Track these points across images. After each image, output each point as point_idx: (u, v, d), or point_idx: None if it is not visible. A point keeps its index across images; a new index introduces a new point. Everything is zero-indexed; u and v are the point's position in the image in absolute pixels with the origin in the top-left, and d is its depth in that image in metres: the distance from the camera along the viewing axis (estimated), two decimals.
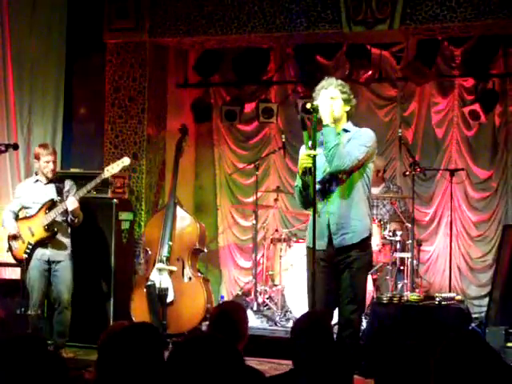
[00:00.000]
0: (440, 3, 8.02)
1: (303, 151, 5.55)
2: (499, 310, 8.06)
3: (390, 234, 8.75)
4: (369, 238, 5.68)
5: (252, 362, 6.50)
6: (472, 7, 7.93)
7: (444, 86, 9.59)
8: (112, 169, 7.54)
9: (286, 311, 8.74)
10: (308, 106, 5.44)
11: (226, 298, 9.97)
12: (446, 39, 9.06)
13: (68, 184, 7.70)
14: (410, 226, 8.71)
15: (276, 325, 8.55)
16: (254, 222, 9.31)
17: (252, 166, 9.42)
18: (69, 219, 7.52)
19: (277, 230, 9.65)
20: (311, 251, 5.44)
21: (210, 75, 9.99)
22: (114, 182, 8.52)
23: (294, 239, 9.06)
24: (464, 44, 9.11)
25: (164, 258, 8.04)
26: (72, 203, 7.35)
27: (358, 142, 5.54)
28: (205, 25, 8.83)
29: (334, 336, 4.07)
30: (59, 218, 7.52)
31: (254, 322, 8.53)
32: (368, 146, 5.55)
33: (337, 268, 5.58)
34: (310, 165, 5.31)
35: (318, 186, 5.49)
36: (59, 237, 7.57)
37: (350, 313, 5.57)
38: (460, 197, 9.47)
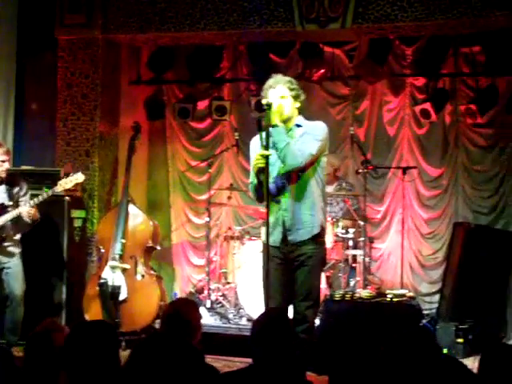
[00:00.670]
0: (391, 3, 8.11)
1: (254, 148, 5.58)
2: (450, 306, 8.17)
3: (343, 231, 8.81)
4: (322, 233, 5.71)
5: (206, 360, 6.50)
6: (423, 7, 8.04)
7: (396, 85, 9.67)
8: (66, 184, 7.51)
9: (240, 309, 8.74)
10: (264, 102, 5.47)
11: (179, 296, 9.95)
12: (398, 38, 9.15)
13: (24, 188, 7.56)
14: (362, 223, 8.79)
15: (229, 322, 8.56)
16: (208, 219, 9.31)
17: (205, 163, 9.41)
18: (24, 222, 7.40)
19: (230, 228, 9.65)
20: (264, 247, 5.48)
21: (163, 72, 9.95)
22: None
23: (248, 237, 9.07)
24: (415, 43, 9.21)
25: (117, 256, 8.00)
26: (28, 213, 7.25)
27: (309, 137, 5.55)
28: (158, 22, 8.81)
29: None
30: (9, 222, 7.41)
31: (208, 319, 8.53)
32: (320, 140, 5.57)
33: (292, 264, 5.61)
34: (264, 165, 5.33)
35: (272, 184, 5.52)
36: (8, 240, 7.48)
37: (305, 309, 5.60)
38: (411, 194, 9.57)
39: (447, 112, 9.43)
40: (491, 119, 9.21)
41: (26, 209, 7.25)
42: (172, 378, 2.48)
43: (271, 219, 5.45)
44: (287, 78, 5.72)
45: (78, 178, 7.58)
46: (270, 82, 5.68)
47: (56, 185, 7.51)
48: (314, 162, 5.57)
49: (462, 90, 9.39)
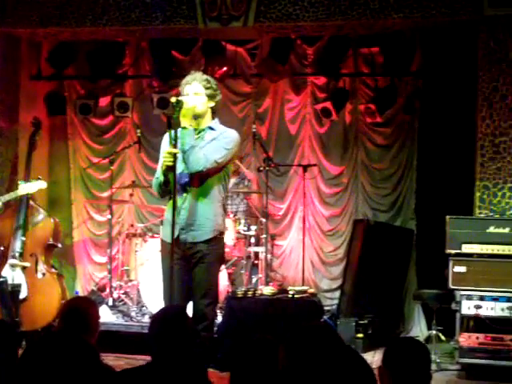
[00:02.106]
0: (293, 2, 8.21)
1: (164, 145, 5.57)
2: (350, 302, 8.32)
3: (245, 228, 8.87)
4: (219, 235, 5.72)
5: (108, 358, 6.48)
6: (323, 7, 8.17)
7: (297, 84, 9.79)
8: (29, 188, 7.62)
9: (142, 306, 8.71)
10: (172, 100, 5.45)
11: (80, 294, 9.83)
12: (299, 38, 9.27)
13: None
14: (264, 220, 8.86)
15: (132, 320, 8.51)
16: (109, 216, 9.23)
17: (107, 160, 9.33)
18: None
19: (132, 225, 9.60)
20: (166, 245, 5.49)
21: (64, 68, 9.81)
22: None
23: (150, 234, 9.04)
24: (316, 43, 9.34)
25: (17, 254, 7.85)
26: None
27: (218, 144, 5.55)
28: (58, 16, 8.69)
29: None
30: None
31: (110, 317, 8.48)
32: (228, 149, 5.57)
33: (190, 262, 5.62)
34: (172, 163, 5.33)
35: (178, 180, 5.52)
36: None
37: (205, 306, 5.60)
38: (312, 192, 9.69)
39: (347, 111, 9.59)
40: (390, 118, 9.42)
41: None
42: (65, 376, 2.47)
43: (171, 217, 5.44)
44: (204, 77, 5.71)
45: (41, 185, 7.70)
46: (188, 77, 5.67)
47: None
48: (219, 169, 5.58)
49: (361, 89, 9.58)
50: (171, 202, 5.43)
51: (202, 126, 5.64)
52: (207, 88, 5.63)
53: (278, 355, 3.20)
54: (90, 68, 9.76)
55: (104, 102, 10.07)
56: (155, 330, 3.68)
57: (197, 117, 5.59)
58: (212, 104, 5.68)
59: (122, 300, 9.09)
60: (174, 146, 5.35)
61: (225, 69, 9.45)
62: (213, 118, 5.73)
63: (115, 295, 9.05)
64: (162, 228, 5.75)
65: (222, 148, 5.54)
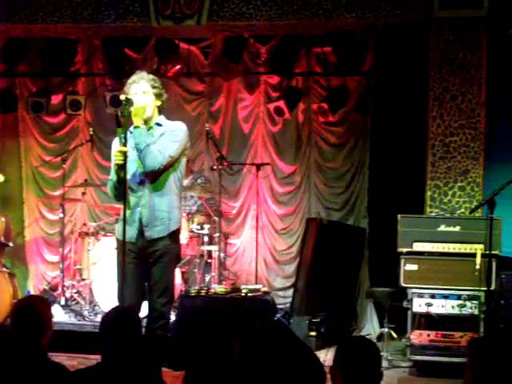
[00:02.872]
0: (246, 1, 8.24)
1: (116, 146, 5.55)
2: (303, 300, 8.35)
3: (198, 227, 8.86)
4: (178, 231, 5.75)
5: (61, 358, 6.42)
6: (276, 7, 8.21)
7: (250, 83, 9.81)
8: None
9: (95, 305, 8.67)
10: (122, 97, 5.44)
11: (32, 293, 9.74)
12: (253, 37, 9.29)
13: None
14: (217, 219, 8.87)
15: (84, 319, 8.47)
16: (62, 215, 9.17)
17: (59, 158, 9.26)
18: None
19: (85, 224, 9.53)
20: (121, 244, 5.48)
21: (15, 65, 9.72)
22: None
23: (103, 233, 8.99)
24: (269, 42, 9.37)
25: None
26: None
27: (169, 138, 5.57)
28: (9, 12, 8.59)
29: (143, 329, 4.10)
30: None
31: (62, 317, 8.42)
32: (179, 141, 5.60)
33: (147, 261, 5.61)
34: (122, 161, 5.32)
35: (131, 180, 5.51)
36: None
37: (161, 305, 5.62)
38: (266, 191, 9.72)
39: (300, 110, 9.63)
40: (342, 118, 9.49)
41: None
42: (13, 375, 2.46)
43: (129, 216, 5.43)
44: (151, 76, 5.73)
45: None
46: (134, 77, 5.67)
47: None
48: (173, 162, 5.60)
49: (314, 88, 9.62)
50: (129, 200, 5.43)
51: (150, 123, 5.65)
52: (154, 87, 5.66)
53: (233, 354, 3.21)
54: (42, 65, 9.68)
55: (56, 99, 9.99)
56: (106, 330, 3.67)
57: (146, 117, 5.60)
58: (159, 103, 5.71)
59: (75, 299, 9.03)
60: (124, 145, 5.34)
61: (178, 67, 9.43)
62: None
63: (67, 294, 8.98)
64: (118, 226, 5.73)
65: (173, 142, 5.57)
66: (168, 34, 9.08)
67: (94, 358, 6.69)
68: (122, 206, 5.40)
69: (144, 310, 5.73)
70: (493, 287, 6.75)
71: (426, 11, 8.00)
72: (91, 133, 9.32)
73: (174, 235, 5.71)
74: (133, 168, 5.52)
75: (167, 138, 5.57)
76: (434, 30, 8.07)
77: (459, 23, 7.98)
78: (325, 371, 3.23)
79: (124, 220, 5.31)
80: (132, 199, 5.55)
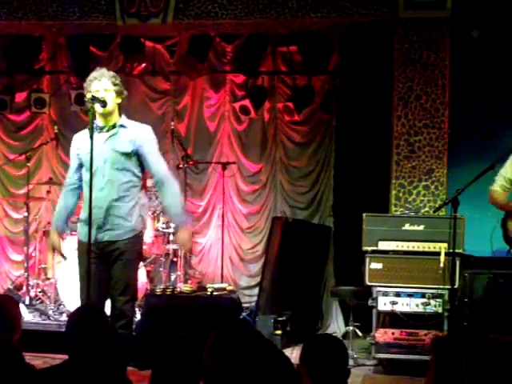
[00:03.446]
0: (212, 0, 8.23)
1: (75, 144, 5.57)
2: (268, 299, 8.37)
3: (163, 225, 8.84)
4: (137, 235, 5.75)
5: (25, 357, 6.38)
6: (242, 6, 8.22)
7: (216, 81, 9.80)
8: None
9: (60, 305, 8.63)
10: (88, 96, 5.46)
11: None
12: (218, 35, 9.29)
13: None
14: None
15: (49, 319, 8.43)
16: (26, 214, 9.10)
17: (23, 157, 9.20)
18: None
19: (49, 223, 9.45)
20: (82, 243, 5.48)
21: None
22: None
23: (68, 232, 8.92)
24: (235, 41, 9.38)
25: None
26: None
27: (156, 154, 5.67)
28: None
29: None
30: None
31: (27, 316, 8.36)
32: (158, 148, 5.75)
33: (108, 259, 5.60)
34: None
35: (94, 180, 5.48)
36: None
37: (123, 304, 5.60)
38: (231, 189, 9.72)
39: (266, 109, 9.65)
40: (308, 117, 9.52)
41: None
42: None
43: (86, 215, 5.40)
44: (112, 73, 5.72)
45: None
46: (95, 74, 5.65)
47: None
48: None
49: (280, 87, 9.65)
50: (87, 200, 5.41)
51: (111, 122, 5.65)
52: (115, 84, 5.65)
53: (200, 353, 3.21)
54: (5, 63, 9.60)
55: (20, 97, 9.90)
56: (72, 329, 3.67)
57: (107, 114, 5.61)
58: (119, 100, 5.70)
59: (40, 298, 8.98)
60: (91, 140, 5.32)
61: (143, 65, 9.42)
62: (120, 114, 5.74)
63: (32, 294, 8.93)
64: (78, 227, 5.73)
65: (159, 155, 5.74)
66: (133, 32, 9.04)
67: (59, 358, 6.66)
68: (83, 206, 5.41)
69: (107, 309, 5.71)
70: (456, 285, 6.82)
71: (390, 11, 8.06)
72: (56, 131, 9.28)
73: (132, 237, 5.69)
74: (94, 169, 5.49)
75: (155, 155, 5.66)
76: (399, 30, 8.13)
77: (423, 24, 8.05)
78: (298, 373, 3.23)
79: (90, 219, 5.29)
80: (94, 199, 5.49)
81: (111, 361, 3.71)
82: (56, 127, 9.33)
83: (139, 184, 5.72)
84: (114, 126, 5.64)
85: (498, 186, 7.06)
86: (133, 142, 5.60)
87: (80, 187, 5.77)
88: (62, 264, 8.56)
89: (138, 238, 5.75)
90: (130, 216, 5.62)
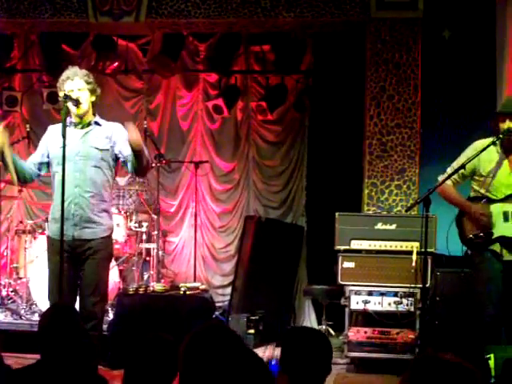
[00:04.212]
0: None
1: (47, 137, 5.56)
2: (241, 298, 8.38)
3: (136, 225, 8.82)
4: (110, 235, 5.76)
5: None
6: (215, 5, 8.23)
7: (189, 80, 9.80)
8: None
9: (32, 304, 8.57)
10: (61, 94, 5.45)
11: None
12: (191, 34, 9.29)
13: None
14: (155, 217, 8.84)
15: (21, 318, 8.36)
16: None
17: None
18: None
19: (21, 222, 9.42)
20: (53, 241, 5.45)
21: None
22: None
23: (39, 231, 8.89)
24: (208, 40, 9.38)
25: None
26: None
27: (128, 147, 5.56)
28: None
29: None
30: None
31: None
32: None
33: (79, 259, 5.57)
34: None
35: (68, 176, 5.46)
36: None
37: (93, 305, 5.57)
38: (204, 189, 9.73)
39: (239, 108, 9.67)
40: (280, 116, 9.55)
41: None
42: None
43: (59, 213, 5.37)
44: (84, 71, 5.71)
45: None
46: (68, 73, 5.64)
47: None
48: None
49: (252, 87, 9.67)
50: (58, 198, 5.37)
51: (86, 120, 5.66)
52: (88, 83, 5.65)
53: (173, 352, 3.21)
54: None
55: None
56: (44, 328, 3.66)
57: (82, 113, 5.61)
58: (93, 98, 5.70)
59: (11, 298, 8.92)
60: (63, 138, 5.29)
61: (116, 64, 9.38)
62: (93, 113, 5.74)
63: (4, 293, 8.86)
64: (49, 224, 5.69)
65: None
66: (106, 31, 9.01)
67: (32, 358, 6.64)
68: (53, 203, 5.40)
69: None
70: (428, 284, 6.85)
71: (363, 11, 8.10)
72: (28, 129, 9.21)
73: (109, 234, 5.70)
74: (68, 165, 5.46)
75: (129, 148, 5.54)
76: (371, 31, 8.17)
77: (396, 24, 8.09)
78: (273, 376, 3.23)
79: (62, 216, 5.26)
80: (66, 196, 5.45)
81: (81, 360, 3.70)
82: (28, 125, 9.26)
83: (112, 183, 5.72)
84: (89, 124, 5.64)
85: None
86: (109, 138, 5.62)
87: (34, 175, 5.74)
88: (34, 263, 8.52)
89: (110, 237, 5.75)
90: (105, 214, 5.61)
